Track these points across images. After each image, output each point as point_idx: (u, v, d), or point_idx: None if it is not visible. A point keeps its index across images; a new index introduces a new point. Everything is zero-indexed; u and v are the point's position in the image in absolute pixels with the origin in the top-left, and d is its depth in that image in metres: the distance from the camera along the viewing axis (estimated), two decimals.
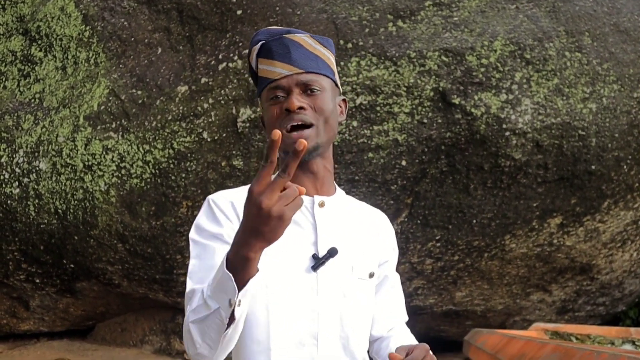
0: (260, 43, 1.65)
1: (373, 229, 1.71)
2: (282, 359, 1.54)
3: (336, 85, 1.67)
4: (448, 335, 5.19)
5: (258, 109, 3.89)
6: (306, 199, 1.63)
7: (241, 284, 1.30)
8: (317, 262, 1.57)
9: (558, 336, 3.76)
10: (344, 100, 1.71)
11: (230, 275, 1.28)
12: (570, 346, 2.53)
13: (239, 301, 1.31)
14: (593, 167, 4.11)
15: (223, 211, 1.59)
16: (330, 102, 1.62)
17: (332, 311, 1.58)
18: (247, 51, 3.99)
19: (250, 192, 1.23)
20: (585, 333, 3.85)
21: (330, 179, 1.67)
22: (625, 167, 4.20)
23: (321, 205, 1.64)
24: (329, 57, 1.66)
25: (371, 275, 1.64)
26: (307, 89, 1.60)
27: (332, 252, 1.58)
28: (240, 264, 1.29)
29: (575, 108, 4.02)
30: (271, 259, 1.56)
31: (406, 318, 1.80)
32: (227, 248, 1.42)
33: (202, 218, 1.61)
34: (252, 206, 1.23)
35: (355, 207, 1.73)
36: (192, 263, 1.54)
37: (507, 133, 3.94)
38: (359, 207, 1.74)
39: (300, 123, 1.56)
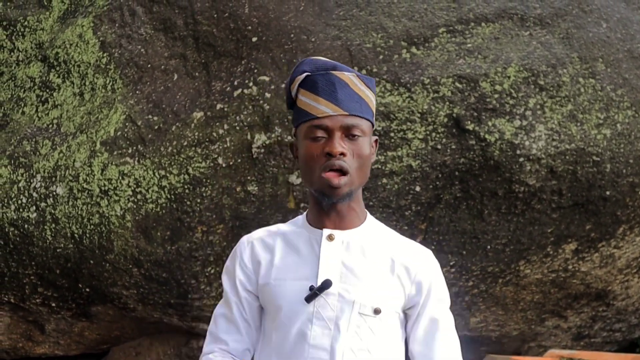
0: (305, 74, 1.63)
1: (396, 266, 1.67)
2: None
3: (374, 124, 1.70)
4: None
5: (272, 135, 3.92)
6: (316, 232, 1.68)
7: None
8: (310, 293, 1.62)
9: None
10: (375, 140, 1.71)
11: None
12: None
13: None
14: (608, 192, 4.10)
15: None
16: (368, 146, 1.64)
17: (323, 343, 1.62)
18: (264, 77, 4.04)
19: None
20: None
21: (354, 215, 1.68)
22: None
23: (330, 238, 1.66)
24: (371, 98, 1.66)
25: (376, 311, 1.62)
26: (349, 134, 1.60)
27: (325, 285, 1.61)
28: None
29: (590, 134, 4.02)
30: (274, 290, 1.67)
31: None
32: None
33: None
34: None
35: (380, 242, 1.70)
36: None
37: (521, 159, 3.94)
38: (387, 243, 1.70)
39: (338, 169, 1.59)
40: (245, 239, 1.77)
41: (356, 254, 1.65)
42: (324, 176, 1.59)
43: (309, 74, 1.63)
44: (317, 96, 1.61)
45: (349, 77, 1.63)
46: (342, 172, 1.59)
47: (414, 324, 1.68)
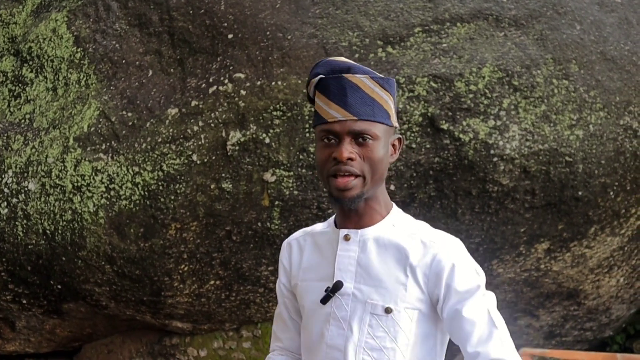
0: (318, 77, 1.64)
1: (411, 262, 1.65)
2: None
3: (392, 125, 1.67)
4: None
5: (247, 132, 3.92)
6: (337, 232, 1.71)
7: None
8: (325, 295, 1.66)
9: None
10: (399, 139, 1.72)
11: None
12: None
13: None
14: (580, 193, 4.14)
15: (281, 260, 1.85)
16: (382, 149, 1.63)
17: (338, 343, 1.64)
18: (239, 75, 4.03)
19: None
20: (572, 359, 3.86)
21: (373, 212, 1.69)
22: (611, 193, 4.24)
23: (346, 238, 1.68)
24: (387, 99, 1.64)
25: (387, 310, 1.62)
26: (358, 137, 1.60)
27: (336, 286, 1.65)
28: None
29: (563, 135, 4.06)
30: (301, 291, 1.74)
31: (494, 355, 1.66)
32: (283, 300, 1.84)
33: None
34: None
35: (397, 238, 1.68)
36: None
37: (495, 159, 3.97)
38: (404, 238, 1.68)
39: (347, 174, 1.60)
40: (285, 241, 1.85)
41: (371, 253, 1.66)
42: (332, 182, 1.61)
43: (323, 76, 1.64)
44: (328, 100, 1.62)
45: (362, 79, 1.61)
46: (352, 175, 1.60)
47: (444, 319, 1.67)
